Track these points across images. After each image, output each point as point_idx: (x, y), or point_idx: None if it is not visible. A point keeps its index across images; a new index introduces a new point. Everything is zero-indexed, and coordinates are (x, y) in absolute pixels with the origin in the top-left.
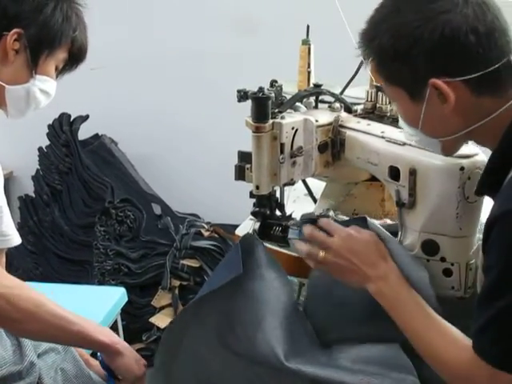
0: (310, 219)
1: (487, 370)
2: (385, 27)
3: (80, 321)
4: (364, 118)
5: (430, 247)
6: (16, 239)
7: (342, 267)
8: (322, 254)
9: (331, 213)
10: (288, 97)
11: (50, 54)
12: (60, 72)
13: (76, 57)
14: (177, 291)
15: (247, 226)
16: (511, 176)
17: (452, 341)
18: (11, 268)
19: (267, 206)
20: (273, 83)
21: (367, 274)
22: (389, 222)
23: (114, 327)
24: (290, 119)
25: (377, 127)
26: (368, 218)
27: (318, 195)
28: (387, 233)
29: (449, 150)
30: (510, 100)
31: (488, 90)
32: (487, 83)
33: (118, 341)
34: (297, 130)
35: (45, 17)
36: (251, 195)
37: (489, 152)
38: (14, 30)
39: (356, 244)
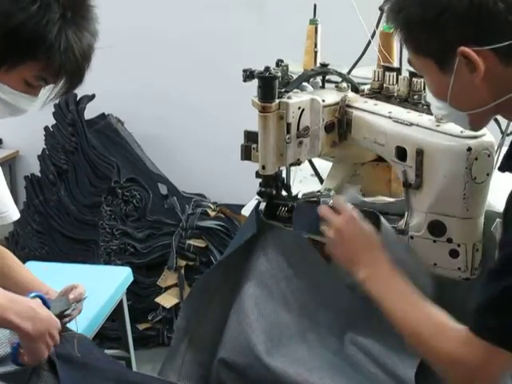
0: (312, 199)
1: (482, 349)
2: None
3: None
4: (371, 97)
5: (436, 228)
6: (13, 216)
7: (337, 245)
8: (324, 227)
9: (332, 192)
10: (294, 77)
11: (13, 67)
12: (59, 92)
13: (53, 78)
14: (183, 271)
15: (253, 206)
16: None
17: (442, 326)
18: (17, 247)
19: (273, 186)
20: (279, 63)
21: (360, 256)
22: (386, 199)
23: (119, 307)
24: (297, 99)
25: (384, 107)
26: (381, 217)
27: (324, 175)
28: (390, 227)
29: (477, 124)
30: None
31: None
32: None
33: (25, 324)
34: (303, 110)
35: (11, 27)
36: (257, 175)
37: (496, 133)
38: None
39: (355, 228)
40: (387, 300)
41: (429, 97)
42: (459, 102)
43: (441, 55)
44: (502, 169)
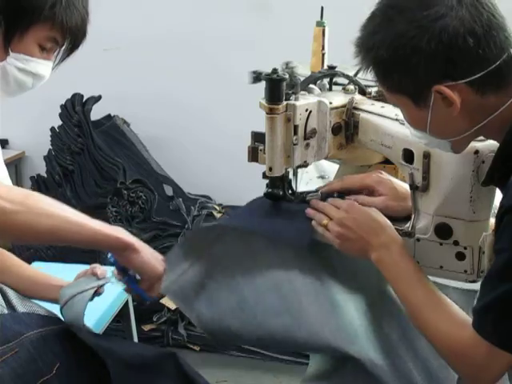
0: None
1: (485, 347)
2: (379, 38)
3: (90, 220)
4: (378, 100)
5: (443, 231)
6: None
7: (343, 236)
8: (325, 221)
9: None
10: (301, 79)
11: (25, 31)
12: (64, 54)
13: (62, 37)
14: None
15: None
16: None
17: (451, 316)
18: (23, 247)
19: (280, 188)
20: (286, 65)
21: (369, 241)
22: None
23: (125, 308)
24: (304, 101)
25: (391, 110)
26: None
27: (331, 178)
28: None
29: (459, 147)
30: None
31: (491, 88)
32: (490, 81)
33: (132, 238)
34: (310, 112)
35: None
36: (264, 176)
37: None
38: None
39: (358, 213)
40: (399, 284)
41: (407, 125)
42: (439, 133)
43: (415, 93)
44: (485, 183)
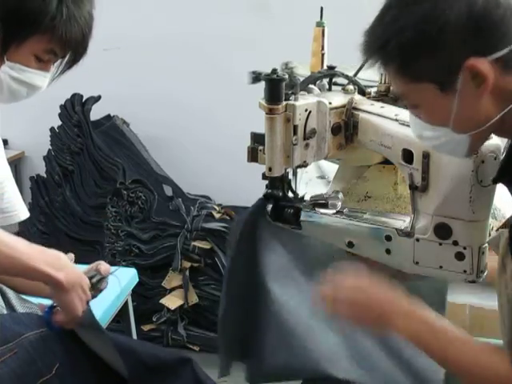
0: (320, 202)
1: None
2: (401, 24)
3: (26, 249)
4: (378, 100)
5: (442, 231)
6: (21, 215)
7: (346, 315)
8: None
9: (340, 195)
10: (301, 79)
11: (23, 41)
12: (65, 66)
13: (61, 49)
14: (187, 272)
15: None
16: None
17: (482, 350)
18: None
19: (279, 188)
20: (286, 65)
21: (366, 323)
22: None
23: (124, 308)
24: (304, 101)
25: (390, 110)
26: None
27: (331, 178)
28: None
29: (475, 146)
30: None
31: None
32: None
33: (65, 276)
34: (310, 112)
35: (13, 4)
36: (264, 177)
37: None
38: None
39: (345, 292)
40: (423, 347)
41: (417, 131)
42: (463, 122)
43: (443, 76)
44: (495, 181)
